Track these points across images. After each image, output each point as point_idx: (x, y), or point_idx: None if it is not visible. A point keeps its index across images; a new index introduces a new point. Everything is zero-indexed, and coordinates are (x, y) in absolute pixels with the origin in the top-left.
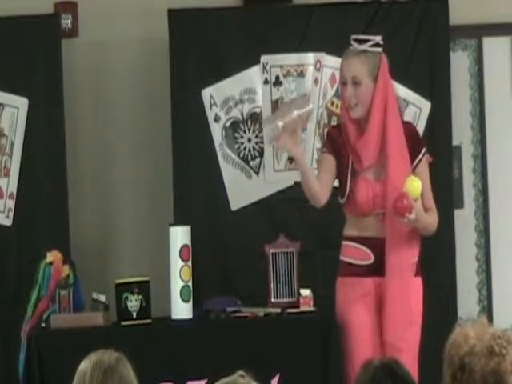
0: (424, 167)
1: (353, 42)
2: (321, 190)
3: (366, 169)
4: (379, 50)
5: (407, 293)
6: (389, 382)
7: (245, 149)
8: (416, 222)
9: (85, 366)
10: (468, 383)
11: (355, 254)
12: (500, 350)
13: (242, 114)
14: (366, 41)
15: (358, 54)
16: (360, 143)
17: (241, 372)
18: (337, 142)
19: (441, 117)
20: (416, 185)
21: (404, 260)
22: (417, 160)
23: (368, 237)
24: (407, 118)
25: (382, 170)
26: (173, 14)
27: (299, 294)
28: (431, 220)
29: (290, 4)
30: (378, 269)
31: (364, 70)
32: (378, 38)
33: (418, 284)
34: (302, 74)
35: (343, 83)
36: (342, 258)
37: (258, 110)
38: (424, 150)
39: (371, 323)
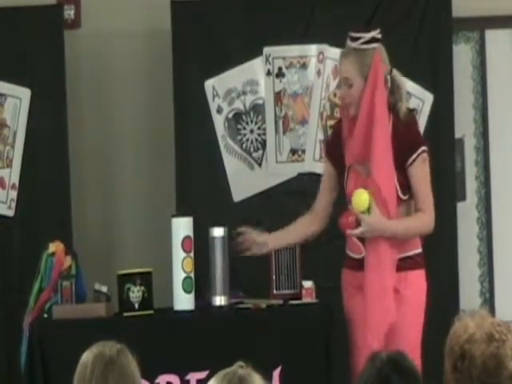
0: (419, 166)
1: (348, 40)
2: (311, 222)
3: (351, 164)
4: (373, 45)
5: (383, 289)
6: (395, 375)
7: (247, 140)
8: (371, 233)
9: (86, 358)
10: (469, 370)
11: (352, 247)
12: (500, 336)
13: (244, 106)
14: (358, 38)
15: (349, 54)
16: (349, 141)
17: (240, 363)
18: (335, 140)
19: (443, 109)
20: (363, 198)
21: (382, 255)
22: (410, 160)
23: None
24: None
25: (370, 167)
26: (175, 5)
27: (301, 286)
28: (415, 223)
29: None
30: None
31: (354, 71)
32: (373, 33)
33: (413, 278)
34: (304, 66)
35: (339, 83)
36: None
37: (260, 102)
38: (421, 149)
39: (363, 315)
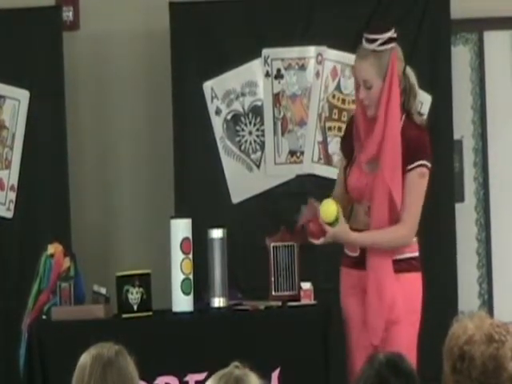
0: (414, 178)
1: (363, 41)
2: None
3: (365, 162)
4: (390, 46)
5: (383, 290)
6: (393, 377)
7: (246, 142)
8: (335, 242)
9: (84, 359)
10: (468, 371)
11: (348, 245)
12: (499, 337)
13: (243, 107)
14: (375, 40)
15: (368, 57)
16: (368, 139)
17: (236, 363)
18: (347, 135)
19: (442, 111)
20: (331, 208)
21: (383, 256)
22: (408, 167)
23: (356, 229)
24: None
25: (377, 164)
26: (174, 7)
27: (300, 287)
28: (389, 236)
29: None
30: (362, 262)
31: (373, 73)
32: (389, 34)
33: (406, 281)
34: (303, 67)
35: (357, 84)
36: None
37: (259, 103)
38: (421, 162)
39: (358, 314)
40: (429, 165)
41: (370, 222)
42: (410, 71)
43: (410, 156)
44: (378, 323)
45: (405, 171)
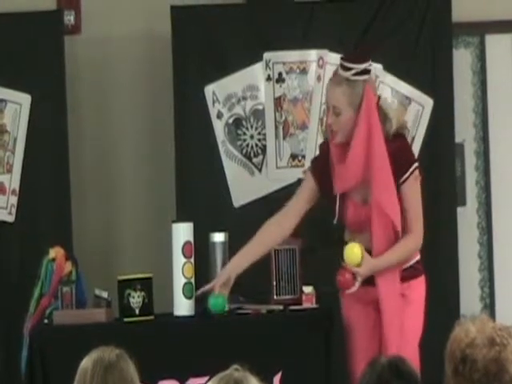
0: (411, 185)
1: (339, 67)
2: (278, 234)
3: (343, 192)
4: (364, 77)
5: (398, 304)
6: (394, 379)
7: (247, 146)
8: (369, 273)
9: (85, 363)
10: (470, 374)
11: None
12: (501, 340)
13: (244, 111)
14: (350, 69)
15: (341, 83)
16: (340, 169)
17: (235, 366)
18: (323, 160)
19: (443, 114)
20: (356, 251)
21: (395, 270)
22: (403, 178)
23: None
24: (409, 116)
25: (368, 193)
26: (175, 10)
27: (302, 291)
28: (405, 247)
29: (292, 1)
30: (367, 279)
31: (344, 101)
32: (365, 65)
33: (415, 285)
34: (304, 71)
35: (327, 108)
36: None
37: (260, 107)
38: (413, 167)
39: (363, 322)
40: (418, 165)
41: (373, 250)
42: (382, 99)
43: (400, 167)
44: (397, 341)
45: (399, 183)
